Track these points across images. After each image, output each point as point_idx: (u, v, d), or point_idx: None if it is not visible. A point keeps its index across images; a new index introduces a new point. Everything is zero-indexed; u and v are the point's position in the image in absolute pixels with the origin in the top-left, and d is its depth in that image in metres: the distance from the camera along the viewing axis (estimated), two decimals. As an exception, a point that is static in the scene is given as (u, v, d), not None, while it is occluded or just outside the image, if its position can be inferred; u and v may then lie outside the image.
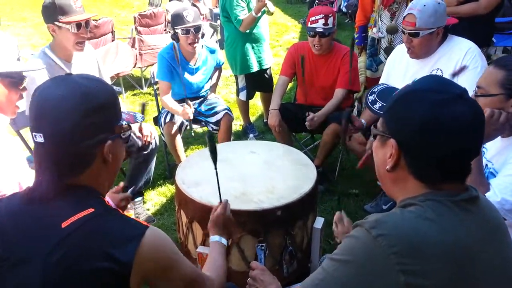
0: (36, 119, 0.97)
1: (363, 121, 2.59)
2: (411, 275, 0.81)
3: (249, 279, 1.32)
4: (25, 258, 0.91)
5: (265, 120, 4.09)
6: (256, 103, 4.44)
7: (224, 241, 1.45)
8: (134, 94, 5.22)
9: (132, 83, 5.34)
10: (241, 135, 3.93)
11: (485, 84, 1.47)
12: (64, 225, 0.91)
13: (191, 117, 2.90)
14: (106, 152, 1.01)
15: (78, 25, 2.23)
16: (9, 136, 1.47)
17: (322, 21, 2.78)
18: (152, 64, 5.18)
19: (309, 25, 2.86)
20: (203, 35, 2.98)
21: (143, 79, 5.36)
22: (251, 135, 3.79)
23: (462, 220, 0.89)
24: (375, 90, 1.05)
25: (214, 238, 1.44)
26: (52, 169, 0.96)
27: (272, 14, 3.59)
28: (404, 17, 2.26)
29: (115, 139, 1.04)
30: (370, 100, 1.03)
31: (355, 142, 2.68)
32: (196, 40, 2.88)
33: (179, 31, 2.84)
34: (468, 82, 1.94)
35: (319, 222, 2.10)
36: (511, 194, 1.42)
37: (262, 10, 3.37)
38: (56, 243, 0.90)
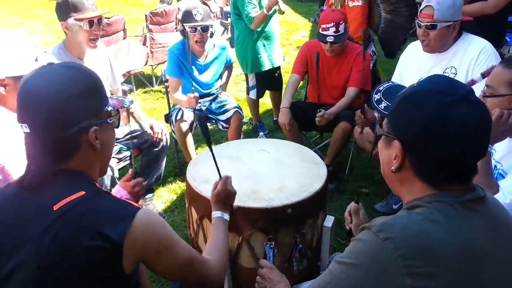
0: (20, 110, 1.00)
1: (375, 113, 2.57)
2: (417, 277, 0.81)
3: (257, 277, 1.33)
4: (19, 244, 0.94)
5: (274, 119, 4.09)
6: (266, 102, 4.44)
7: (226, 216, 1.48)
8: (145, 92, 5.26)
9: (143, 80, 5.38)
10: (251, 133, 3.94)
11: (494, 83, 1.46)
12: (55, 207, 0.94)
13: (195, 105, 2.88)
14: (91, 138, 1.02)
15: (91, 22, 2.26)
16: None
17: (333, 29, 2.77)
18: (163, 62, 5.22)
19: (320, 32, 2.85)
20: (212, 35, 2.99)
21: (153, 77, 5.40)
22: (261, 133, 3.80)
23: (469, 220, 0.88)
24: (381, 88, 1.04)
25: (216, 213, 1.47)
26: (40, 157, 0.99)
27: (283, 13, 3.59)
28: (421, 9, 2.24)
29: (102, 124, 1.05)
30: (375, 99, 1.03)
31: (366, 140, 2.68)
32: (204, 40, 2.89)
33: (187, 28, 2.86)
34: (483, 83, 1.92)
35: (329, 220, 2.10)
36: None
37: (274, 8, 3.37)
38: (48, 225, 0.93)
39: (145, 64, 5.06)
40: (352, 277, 0.88)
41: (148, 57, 5.01)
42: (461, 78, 2.20)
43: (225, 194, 1.50)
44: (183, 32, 2.91)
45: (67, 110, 0.98)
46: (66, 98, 0.98)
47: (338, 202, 2.90)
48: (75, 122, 1.00)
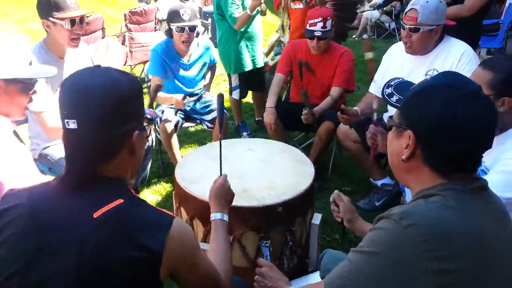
0: (69, 106, 0.98)
1: (356, 108, 2.63)
2: (439, 261, 0.85)
3: (256, 276, 1.34)
4: (59, 248, 0.93)
5: (256, 119, 4.12)
6: (248, 102, 4.46)
7: (226, 217, 1.46)
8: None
9: (121, 80, 5.30)
10: (234, 134, 3.95)
11: None
12: (96, 215, 0.93)
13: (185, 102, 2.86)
14: (134, 141, 1.03)
15: (73, 22, 2.22)
16: (17, 141, 1.46)
17: (320, 24, 2.82)
18: (143, 62, 5.17)
19: (307, 28, 2.88)
20: (197, 34, 2.99)
21: (132, 76, 5.33)
22: (244, 134, 3.81)
23: (479, 207, 0.93)
24: (392, 83, 1.10)
25: (216, 215, 1.45)
26: (82, 156, 0.98)
27: (265, 14, 3.62)
28: (406, 12, 2.31)
29: (141, 130, 1.07)
30: (387, 93, 1.08)
31: (349, 140, 2.74)
32: (190, 40, 2.89)
33: (174, 28, 2.84)
34: None
35: (317, 218, 2.14)
36: (502, 190, 1.46)
37: (257, 9, 3.40)
38: (89, 232, 0.92)
39: (124, 64, 4.99)
40: (374, 265, 0.90)
41: (127, 56, 4.95)
42: None
43: (225, 190, 1.51)
44: (169, 32, 2.90)
45: (118, 110, 0.99)
46: (118, 98, 0.99)
47: (322, 200, 2.94)
48: (123, 123, 1.01)
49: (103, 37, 4.97)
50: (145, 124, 1.09)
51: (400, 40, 2.50)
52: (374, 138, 2.03)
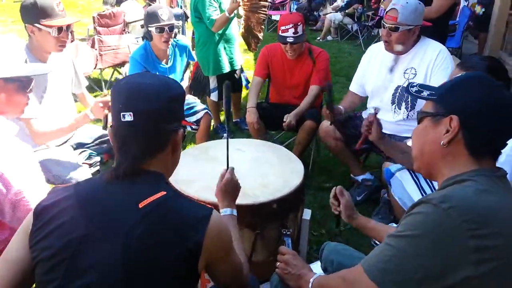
0: (127, 100, 1.04)
1: (341, 107, 2.74)
2: (480, 239, 0.90)
3: (279, 263, 1.35)
4: (105, 236, 0.96)
5: (234, 120, 4.15)
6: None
7: (235, 212, 1.50)
8: (95, 96, 5.06)
9: (91, 85, 5.17)
10: (213, 135, 3.97)
11: None
12: (141, 205, 0.97)
13: None
14: (179, 139, 1.11)
15: (59, 29, 2.17)
16: (22, 143, 1.43)
17: (292, 30, 2.90)
18: (113, 65, 5.08)
19: (280, 34, 2.97)
20: (175, 35, 3.00)
21: (102, 80, 5.21)
22: (224, 135, 3.84)
23: (509, 193, 1.02)
24: (415, 84, 1.20)
25: (225, 211, 1.48)
26: (135, 147, 1.04)
27: (241, 17, 3.67)
28: (387, 11, 2.42)
29: (183, 130, 1.14)
30: (414, 91, 1.17)
31: (331, 137, 2.83)
32: (170, 39, 2.90)
33: (153, 29, 2.84)
34: (440, 82, 2.13)
35: (307, 213, 2.22)
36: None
37: (234, 12, 3.44)
38: (135, 222, 0.96)
39: (95, 68, 4.88)
40: (417, 246, 0.94)
41: (97, 60, 4.84)
42: (421, 78, 2.42)
43: (233, 184, 1.53)
44: (148, 34, 2.89)
45: (170, 107, 1.07)
46: (171, 96, 1.07)
47: (306, 197, 3.02)
48: (173, 120, 1.09)
49: (72, 41, 4.83)
50: (185, 125, 1.14)
51: (362, 41, 2.62)
52: (369, 126, 2.13)
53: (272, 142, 2.86)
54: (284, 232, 1.87)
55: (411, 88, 1.17)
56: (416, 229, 0.96)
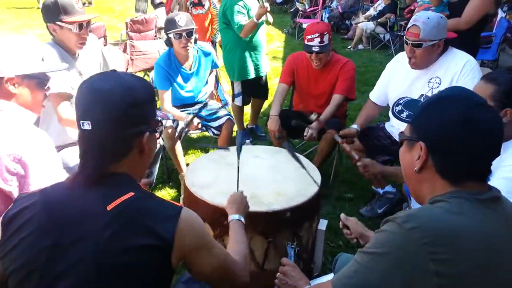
0: (85, 108, 1.04)
1: (355, 126, 2.71)
2: (441, 263, 0.88)
3: (279, 274, 1.37)
4: (76, 241, 0.97)
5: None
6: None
7: (243, 219, 1.51)
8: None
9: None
10: (234, 141, 3.99)
11: None
12: (109, 207, 0.98)
13: (198, 126, 2.96)
14: (144, 142, 1.08)
15: (80, 25, 2.27)
16: (40, 130, 1.51)
17: (318, 40, 2.89)
18: (144, 70, 5.22)
19: (305, 43, 2.96)
20: (195, 40, 3.05)
21: (133, 84, 5.36)
22: (247, 141, 3.86)
23: (486, 216, 0.96)
24: (401, 102, 1.16)
25: (234, 217, 1.51)
26: (96, 155, 1.04)
27: (270, 24, 3.70)
28: (408, 28, 2.38)
29: (152, 132, 1.12)
30: (397, 110, 1.14)
31: (352, 148, 2.79)
32: (189, 44, 2.96)
33: (172, 35, 2.91)
34: None
35: (323, 224, 2.19)
36: (506, 196, 1.52)
37: (262, 18, 3.46)
38: (104, 224, 0.97)
39: (125, 71, 5.02)
40: (379, 265, 0.94)
41: (128, 64, 4.99)
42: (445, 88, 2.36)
43: (241, 199, 1.58)
44: (169, 41, 2.96)
45: (130, 112, 1.04)
46: (131, 101, 1.04)
47: (325, 207, 2.99)
48: (135, 125, 1.06)
49: (105, 45, 5.01)
50: (156, 126, 1.14)
51: (394, 51, 2.60)
52: (365, 169, 2.22)
53: (293, 151, 2.85)
54: (288, 244, 1.85)
55: (396, 107, 1.14)
56: (380, 247, 0.96)
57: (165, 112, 3.01)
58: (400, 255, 0.92)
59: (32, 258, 0.97)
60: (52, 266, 0.96)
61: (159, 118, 1.15)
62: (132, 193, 1.02)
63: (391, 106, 1.15)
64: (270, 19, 3.58)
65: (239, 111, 3.94)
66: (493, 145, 0.98)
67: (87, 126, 1.02)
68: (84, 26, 2.29)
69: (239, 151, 1.81)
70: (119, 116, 1.02)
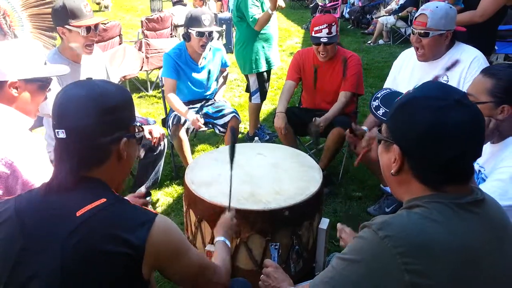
0: (58, 117, 1.05)
1: (365, 128, 2.65)
2: (415, 274, 0.85)
3: (262, 275, 1.37)
4: (43, 247, 0.97)
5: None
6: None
7: (228, 242, 1.52)
8: (140, 97, 5.29)
9: (138, 85, 5.41)
10: (241, 139, 3.98)
11: (475, 92, 1.52)
12: (78, 213, 0.98)
13: (202, 127, 2.97)
14: (122, 149, 1.08)
15: (88, 29, 2.31)
16: (35, 135, 1.54)
17: (326, 31, 2.86)
18: (158, 68, 5.27)
19: (313, 35, 2.93)
20: (212, 39, 3.07)
21: (148, 82, 5.43)
22: (256, 138, 3.84)
23: (467, 222, 0.91)
24: (379, 95, 1.09)
25: (220, 238, 1.52)
26: (70, 163, 1.03)
27: (282, 8, 3.69)
28: (416, 17, 2.32)
29: (130, 138, 1.11)
30: (373, 106, 1.07)
31: (360, 146, 2.73)
32: (207, 43, 2.98)
33: (193, 32, 2.92)
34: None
35: (324, 223, 2.15)
36: (499, 198, 1.44)
37: None
38: (72, 230, 0.96)
39: (140, 69, 5.10)
40: (354, 272, 0.92)
41: (143, 62, 5.05)
42: (453, 85, 2.27)
43: (230, 224, 1.61)
44: (187, 35, 2.97)
45: (105, 119, 1.04)
46: (105, 108, 1.04)
47: (332, 205, 2.95)
48: (110, 132, 1.06)
49: (120, 43, 5.08)
50: (136, 131, 1.13)
51: None
52: (369, 142, 2.04)
53: (301, 148, 2.83)
54: (272, 245, 1.84)
55: (373, 102, 1.09)
56: (356, 254, 0.93)
57: (169, 103, 3.04)
58: (376, 263, 0.89)
59: (1, 265, 0.98)
60: (20, 272, 0.96)
61: (138, 124, 1.14)
62: (104, 199, 1.01)
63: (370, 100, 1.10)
64: (282, 3, 3.56)
65: (257, 109, 3.88)
66: (468, 146, 0.92)
67: (61, 134, 1.03)
68: (92, 29, 2.33)
69: (231, 161, 1.69)
70: (93, 123, 1.02)
